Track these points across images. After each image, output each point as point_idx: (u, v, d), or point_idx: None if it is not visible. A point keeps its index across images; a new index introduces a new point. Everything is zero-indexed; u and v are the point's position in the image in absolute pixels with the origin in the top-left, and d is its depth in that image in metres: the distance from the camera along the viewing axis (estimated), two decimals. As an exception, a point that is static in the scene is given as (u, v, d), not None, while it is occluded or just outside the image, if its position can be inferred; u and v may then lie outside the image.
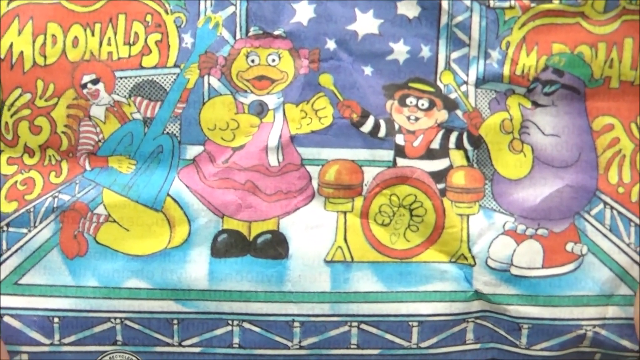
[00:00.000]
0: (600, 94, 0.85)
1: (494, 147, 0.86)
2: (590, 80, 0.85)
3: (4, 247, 0.85)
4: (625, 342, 0.86)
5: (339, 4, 0.85)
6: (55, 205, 0.85)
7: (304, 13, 0.85)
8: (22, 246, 0.85)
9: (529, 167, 0.86)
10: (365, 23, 0.85)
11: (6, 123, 0.85)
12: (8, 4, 0.85)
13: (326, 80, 0.85)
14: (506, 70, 0.85)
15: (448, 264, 0.86)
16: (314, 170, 0.85)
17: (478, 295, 0.86)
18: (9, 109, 0.85)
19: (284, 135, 0.85)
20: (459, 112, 0.86)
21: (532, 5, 0.84)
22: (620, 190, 0.85)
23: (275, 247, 0.85)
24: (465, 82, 0.86)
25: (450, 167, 0.86)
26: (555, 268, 0.85)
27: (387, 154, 0.85)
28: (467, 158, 0.86)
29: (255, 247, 0.85)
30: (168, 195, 0.85)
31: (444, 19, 0.85)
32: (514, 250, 0.85)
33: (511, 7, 0.85)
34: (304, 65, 0.85)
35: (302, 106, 0.85)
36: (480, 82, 0.86)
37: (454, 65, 0.86)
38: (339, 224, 0.85)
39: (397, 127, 0.86)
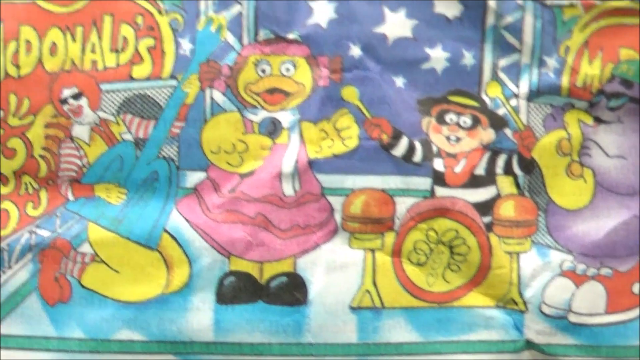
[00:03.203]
0: (674, 109, 0.73)
1: (549, 171, 0.73)
2: (663, 92, 0.72)
3: (-27, 291, 0.73)
4: (701, 399, 0.74)
5: (365, 2, 0.72)
6: (32, 243, 0.73)
7: (323, 13, 0.72)
8: (-6, 290, 0.73)
9: (590, 195, 0.73)
10: (396, 24, 0.72)
11: (-28, 146, 0.72)
12: (-29, 3, 0.72)
13: (350, 93, 0.72)
14: (565, 81, 0.72)
15: (494, 309, 0.73)
16: (336, 202, 0.72)
17: (529, 345, 0.73)
18: (-25, 130, 0.72)
19: (300, 160, 0.72)
20: (508, 131, 0.73)
21: (597, 2, 0.71)
22: (698, 222, 0.73)
23: (291, 291, 0.72)
24: (516, 95, 0.73)
25: (498, 196, 0.73)
26: (620, 314, 0.73)
27: (424, 182, 0.72)
28: (517, 185, 0.73)
29: (269, 292, 0.72)
30: (165, 230, 0.72)
31: (490, 20, 0.72)
32: (573, 294, 0.73)
33: (572, 5, 0.72)
34: (323, 76, 0.72)
35: (322, 125, 0.72)
36: (533, 95, 0.73)
37: (502, 75, 0.73)
38: (366, 264, 0.73)
39: (435, 149, 0.72)
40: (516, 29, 0.72)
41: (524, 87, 0.73)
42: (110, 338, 0.73)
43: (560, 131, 0.73)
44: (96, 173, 0.73)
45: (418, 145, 0.72)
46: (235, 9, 0.72)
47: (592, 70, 0.72)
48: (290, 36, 0.72)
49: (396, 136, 0.72)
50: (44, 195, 0.74)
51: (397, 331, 0.73)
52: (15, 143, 0.73)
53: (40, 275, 0.73)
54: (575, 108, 0.73)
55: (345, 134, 0.72)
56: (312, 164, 0.72)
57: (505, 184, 0.73)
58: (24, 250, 0.73)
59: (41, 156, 0.73)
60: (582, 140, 0.73)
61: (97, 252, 0.73)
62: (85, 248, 0.73)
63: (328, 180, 0.73)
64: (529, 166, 0.73)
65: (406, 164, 0.72)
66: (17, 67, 0.72)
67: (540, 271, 0.73)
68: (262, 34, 0.72)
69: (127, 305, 0.72)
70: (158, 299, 0.72)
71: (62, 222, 0.73)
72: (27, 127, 0.72)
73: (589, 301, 0.73)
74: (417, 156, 0.72)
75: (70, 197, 0.74)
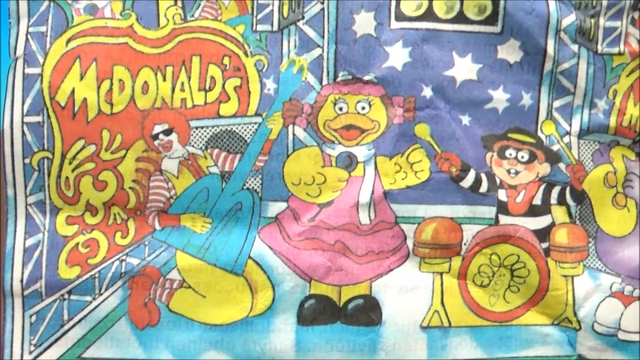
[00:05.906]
0: None
1: (597, 202, 0.81)
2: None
3: (66, 317, 0.76)
4: None
5: (436, 47, 0.78)
6: (123, 270, 0.77)
7: (398, 57, 0.78)
8: (86, 316, 0.76)
9: (633, 223, 0.81)
10: (464, 68, 0.78)
11: (67, 178, 0.76)
12: (67, 43, 0.76)
13: (423, 130, 0.78)
14: (612, 121, 0.80)
15: (550, 326, 0.80)
16: (409, 229, 0.78)
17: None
18: (70, 162, 0.76)
19: (376, 191, 0.78)
20: (561, 165, 0.80)
21: (641, 51, 0.79)
22: None
23: (367, 313, 0.78)
24: (568, 133, 0.80)
25: (553, 224, 0.80)
26: (663, 330, 0.81)
27: (489, 211, 0.79)
28: (570, 214, 0.81)
29: (346, 313, 0.78)
30: (249, 257, 0.77)
31: (548, 65, 0.79)
32: (622, 314, 0.80)
33: (620, 54, 0.79)
34: (398, 114, 0.78)
35: (396, 159, 0.78)
36: (583, 133, 0.80)
37: (556, 115, 0.80)
38: (435, 286, 0.79)
39: (498, 181, 0.79)
40: (571, 74, 0.79)
41: (575, 125, 0.80)
42: (198, 358, 0.77)
43: (607, 165, 0.81)
44: (183, 204, 0.78)
45: (484, 177, 0.79)
46: (316, 51, 0.78)
47: (636, 112, 0.80)
48: (367, 77, 0.78)
49: (464, 169, 0.79)
50: (131, 225, 0.78)
51: (464, 348, 0.79)
52: (107, 176, 0.77)
53: (130, 300, 0.77)
54: (620, 145, 0.81)
55: (418, 167, 0.78)
56: (387, 195, 0.78)
57: (559, 213, 0.81)
58: (114, 278, 0.77)
59: (131, 188, 0.77)
60: (626, 173, 0.81)
61: (185, 279, 0.77)
62: (174, 275, 0.77)
63: (401, 209, 0.78)
64: (580, 197, 0.81)
65: (473, 195, 0.79)
66: (111, 104, 0.76)
67: (592, 293, 0.80)
68: (341, 75, 0.78)
69: (214, 327, 0.77)
70: (243, 322, 0.77)
71: (150, 250, 0.77)
72: (119, 161, 0.77)
73: (636, 320, 0.80)
74: (483, 187, 0.79)
75: (157, 226, 0.78)
